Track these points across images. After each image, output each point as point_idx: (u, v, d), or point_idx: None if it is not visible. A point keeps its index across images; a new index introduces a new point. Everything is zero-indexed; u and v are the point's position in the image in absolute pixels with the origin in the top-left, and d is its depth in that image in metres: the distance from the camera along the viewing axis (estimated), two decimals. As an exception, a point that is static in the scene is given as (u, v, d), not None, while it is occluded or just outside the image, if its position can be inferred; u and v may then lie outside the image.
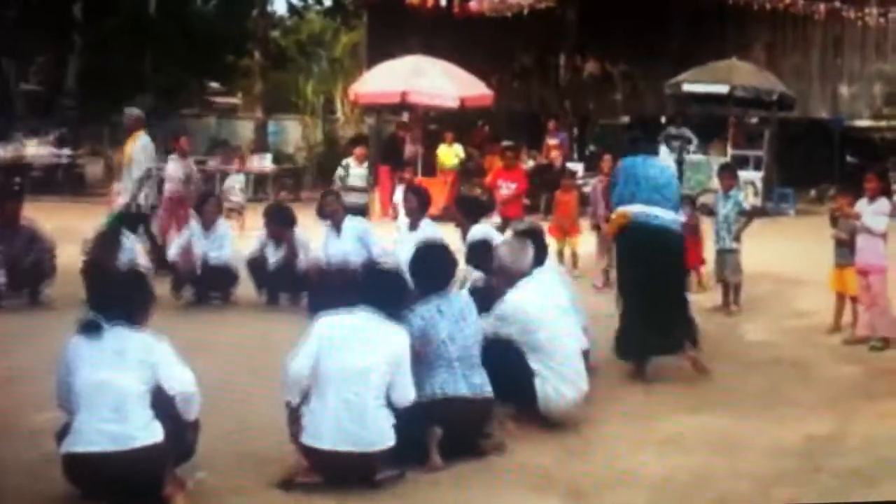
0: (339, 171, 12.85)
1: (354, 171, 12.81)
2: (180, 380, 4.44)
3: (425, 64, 17.41)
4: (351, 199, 11.51)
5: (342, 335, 4.69)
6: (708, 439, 5.40)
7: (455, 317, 5.12)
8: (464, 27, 19.01)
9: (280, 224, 9.09)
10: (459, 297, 5.35)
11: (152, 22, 29.57)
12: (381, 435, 4.62)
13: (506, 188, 11.74)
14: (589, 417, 5.62)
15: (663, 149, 8.85)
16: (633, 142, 7.19)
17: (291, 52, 32.89)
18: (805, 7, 18.70)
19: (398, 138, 18.33)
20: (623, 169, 6.73)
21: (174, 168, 12.91)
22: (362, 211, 11.45)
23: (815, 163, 18.42)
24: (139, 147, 10.23)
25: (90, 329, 4.46)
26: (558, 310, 5.75)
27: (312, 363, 4.64)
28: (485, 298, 5.72)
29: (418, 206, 8.63)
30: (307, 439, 4.62)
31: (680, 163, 17.92)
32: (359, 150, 13.12)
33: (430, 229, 8.40)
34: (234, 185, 15.48)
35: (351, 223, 8.78)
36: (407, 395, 4.80)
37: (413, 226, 8.58)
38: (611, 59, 22.22)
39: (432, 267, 5.35)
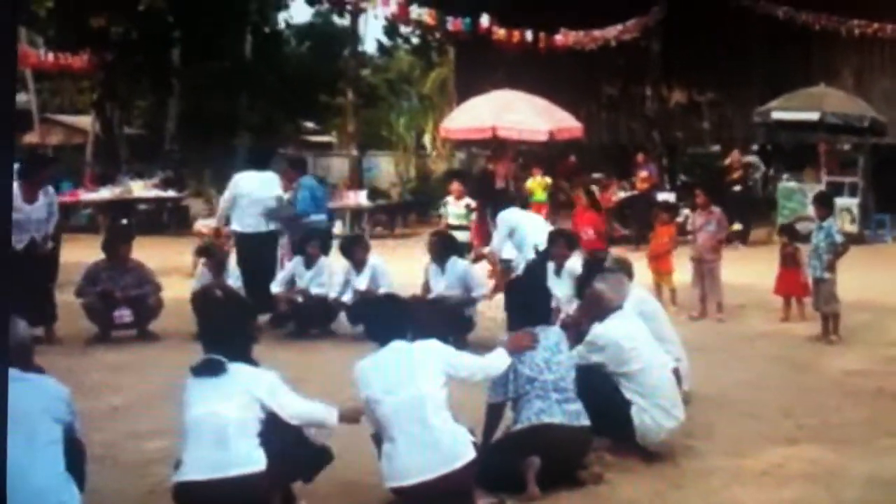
0: (441, 209, 12.53)
1: (452, 208, 12.50)
2: (296, 408, 4.55)
3: (514, 98, 17.44)
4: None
5: (384, 375, 4.69)
6: (807, 470, 5.33)
7: (551, 347, 5.18)
8: (550, 61, 19.06)
9: (352, 252, 9.24)
10: (555, 331, 5.41)
11: (248, 65, 30.57)
12: (457, 452, 4.59)
13: (584, 235, 11.21)
14: (686, 449, 5.61)
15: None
16: None
17: (382, 90, 33.56)
18: (894, 31, 18.27)
19: (488, 173, 18.42)
20: None
21: None
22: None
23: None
24: None
25: (211, 370, 4.53)
26: (649, 340, 5.76)
27: (369, 414, 4.74)
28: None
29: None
30: (390, 482, 4.63)
31: (749, 189, 17.85)
32: (454, 186, 12.73)
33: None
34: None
35: (454, 265, 8.82)
36: (484, 373, 4.97)
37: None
38: (697, 88, 22.08)
39: (528, 300, 5.44)
